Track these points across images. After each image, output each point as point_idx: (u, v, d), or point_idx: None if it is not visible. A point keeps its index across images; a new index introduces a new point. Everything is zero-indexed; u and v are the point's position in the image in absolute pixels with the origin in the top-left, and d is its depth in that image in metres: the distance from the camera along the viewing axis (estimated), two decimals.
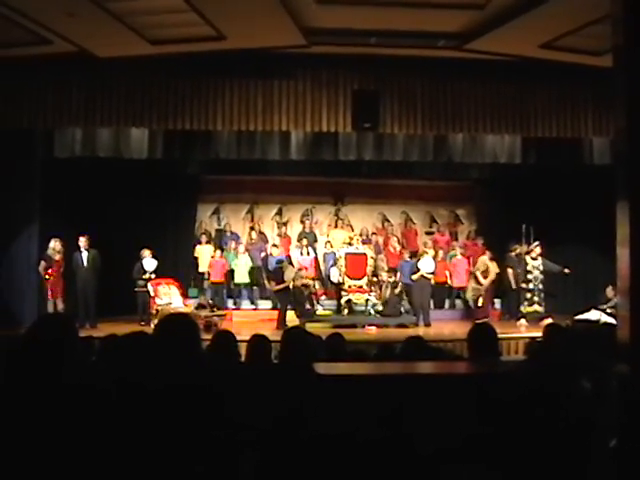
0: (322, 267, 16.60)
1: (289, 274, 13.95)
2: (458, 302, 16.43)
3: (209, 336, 5.26)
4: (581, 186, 14.63)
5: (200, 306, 14.10)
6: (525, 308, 14.15)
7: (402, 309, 14.56)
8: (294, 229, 17.86)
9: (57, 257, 12.97)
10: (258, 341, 5.06)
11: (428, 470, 3.19)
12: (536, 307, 14.12)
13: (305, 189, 17.89)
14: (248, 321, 14.59)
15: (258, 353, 4.92)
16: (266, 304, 15.88)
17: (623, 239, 3.04)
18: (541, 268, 14.24)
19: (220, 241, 17.14)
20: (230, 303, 16.02)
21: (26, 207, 12.77)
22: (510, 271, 14.69)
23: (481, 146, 13.22)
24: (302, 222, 17.83)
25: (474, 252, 16.51)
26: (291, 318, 13.60)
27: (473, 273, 15.03)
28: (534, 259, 14.25)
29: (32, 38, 10.64)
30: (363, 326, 13.94)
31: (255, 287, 16.52)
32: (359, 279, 14.68)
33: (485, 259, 14.96)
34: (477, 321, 11.66)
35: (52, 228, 13.08)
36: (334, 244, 16.46)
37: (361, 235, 16.50)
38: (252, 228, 17.36)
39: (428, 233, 17.96)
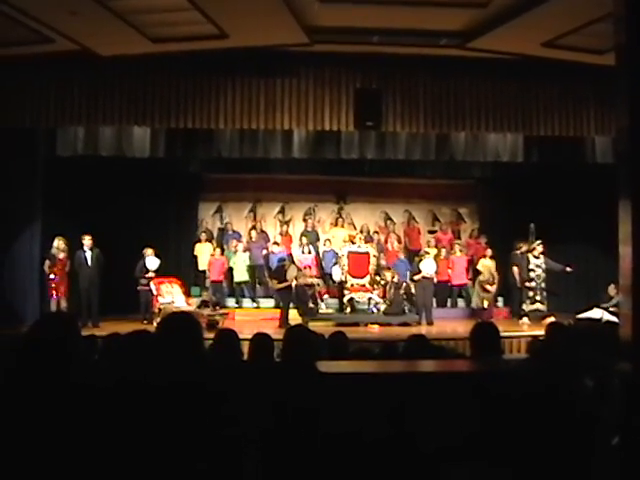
0: (323, 265, 16.56)
1: (291, 273, 13.95)
2: (460, 301, 16.41)
3: (212, 335, 5.27)
4: (583, 185, 14.61)
5: (203, 303, 14.11)
6: (527, 306, 14.14)
7: (406, 308, 14.55)
8: (296, 228, 17.84)
9: (61, 256, 12.98)
10: (261, 339, 5.06)
11: (431, 468, 3.19)
12: (538, 305, 14.11)
13: (307, 188, 17.87)
14: (250, 320, 14.59)
15: (261, 351, 4.92)
16: (268, 303, 15.88)
17: (625, 237, 3.05)
18: (543, 266, 14.23)
19: (222, 240, 17.13)
20: (232, 302, 16.00)
21: (28, 206, 12.79)
22: (515, 269, 14.67)
23: (483, 144, 13.23)
24: (304, 220, 17.82)
25: (477, 251, 16.52)
26: (293, 317, 13.61)
27: (478, 281, 15.05)
28: (536, 257, 14.25)
29: (34, 37, 10.64)
30: (366, 324, 13.94)
31: (257, 285, 16.51)
32: (361, 278, 14.68)
33: (486, 262, 15.00)
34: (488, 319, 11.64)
35: (54, 227, 13.09)
36: (334, 242, 16.44)
37: (362, 232, 16.50)
38: (253, 227, 17.34)
39: (431, 232, 17.93)
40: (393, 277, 14.71)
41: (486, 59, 12.05)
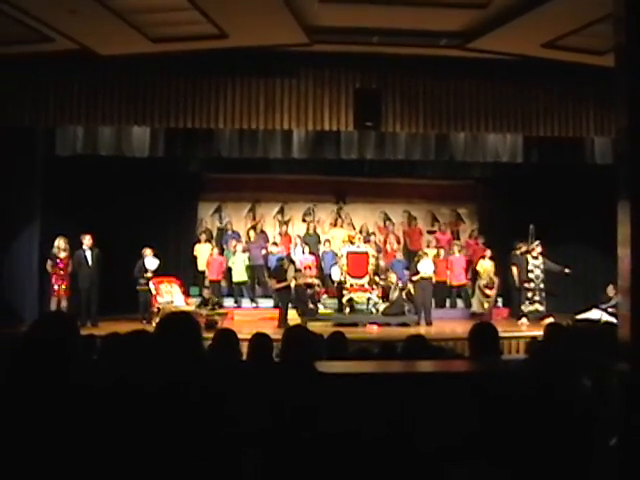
0: (322, 265, 16.55)
1: (290, 273, 13.95)
2: (459, 301, 16.42)
3: (210, 335, 5.27)
4: (582, 185, 14.63)
5: (203, 301, 14.13)
6: (526, 307, 14.16)
7: (405, 309, 14.54)
8: (295, 228, 17.85)
9: (62, 255, 12.99)
10: (259, 339, 5.06)
11: (429, 468, 3.19)
12: (537, 306, 14.13)
13: (307, 188, 17.90)
14: (249, 320, 14.61)
15: (259, 351, 4.93)
16: (267, 303, 15.89)
17: (624, 239, 3.05)
18: (542, 267, 14.25)
19: (221, 240, 17.14)
20: (231, 302, 16.00)
21: (27, 205, 12.78)
22: (515, 269, 14.69)
23: (483, 145, 13.24)
24: (304, 221, 17.85)
25: (475, 251, 16.53)
26: (292, 317, 13.61)
27: (478, 286, 15.07)
28: (535, 258, 14.28)
29: (34, 36, 10.63)
30: (365, 325, 13.93)
31: (256, 285, 16.51)
32: (360, 278, 14.67)
33: (485, 264, 15.03)
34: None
35: (53, 226, 13.09)
36: (334, 242, 16.45)
37: (361, 232, 16.51)
38: (252, 227, 17.34)
39: (430, 232, 17.95)
40: (398, 280, 14.68)
41: (486, 60, 12.06)
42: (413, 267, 14.98)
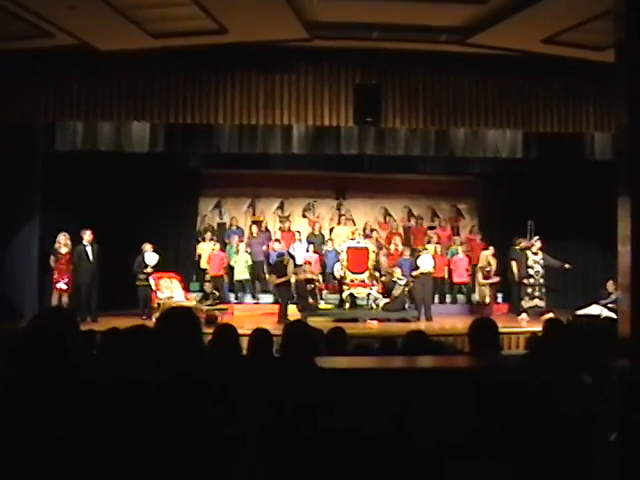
0: (325, 263, 16.51)
1: (290, 268, 13.96)
2: (460, 297, 16.42)
3: (211, 330, 5.28)
4: (582, 181, 14.64)
5: (205, 296, 14.14)
6: (526, 303, 14.17)
7: (406, 305, 14.53)
8: (296, 223, 17.83)
9: (64, 251, 13.01)
10: (260, 335, 5.06)
11: (430, 463, 3.20)
12: (537, 302, 14.14)
13: (307, 183, 17.89)
14: (249, 315, 14.62)
15: (260, 347, 4.93)
16: (267, 298, 15.89)
17: (624, 235, 3.05)
18: (542, 263, 14.26)
19: (222, 235, 17.13)
20: (232, 297, 16.00)
21: (27, 201, 12.77)
22: (514, 264, 14.69)
23: (483, 141, 13.23)
24: (304, 216, 17.86)
25: (474, 248, 16.53)
26: (292, 312, 13.61)
27: (478, 268, 15.08)
28: (535, 254, 14.28)
29: (33, 31, 10.62)
30: (365, 320, 13.93)
31: (256, 281, 16.51)
32: (360, 273, 14.67)
33: (487, 254, 15.04)
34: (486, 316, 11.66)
35: (53, 222, 13.10)
36: (337, 241, 16.39)
37: (364, 230, 16.53)
38: (255, 222, 17.33)
39: (430, 228, 17.95)
40: (401, 278, 14.65)
41: (486, 55, 12.04)
42: (413, 263, 15.00)
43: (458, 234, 17.76)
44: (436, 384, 3.38)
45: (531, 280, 14.22)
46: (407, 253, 15.77)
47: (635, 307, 2.97)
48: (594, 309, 11.72)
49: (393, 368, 3.89)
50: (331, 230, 17.40)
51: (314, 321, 11.52)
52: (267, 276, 15.43)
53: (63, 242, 12.99)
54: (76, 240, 13.28)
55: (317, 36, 11.24)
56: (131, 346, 4.40)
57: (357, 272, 14.66)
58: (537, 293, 14.19)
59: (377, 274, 14.98)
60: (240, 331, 5.22)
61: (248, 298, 16.17)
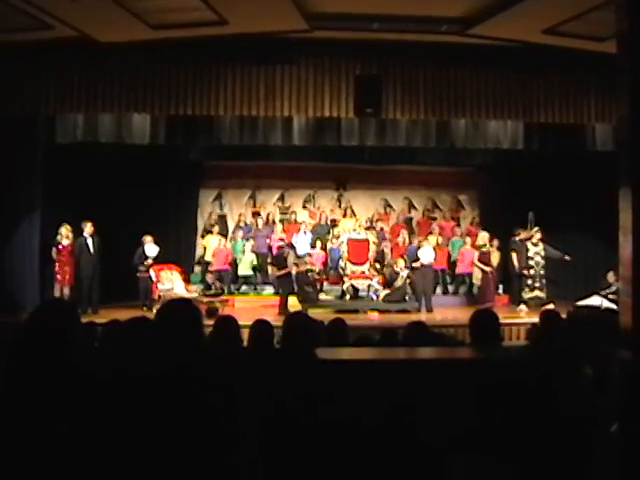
0: (330, 258, 16.44)
1: (291, 260, 13.97)
2: (462, 288, 16.42)
3: (211, 322, 5.28)
4: (583, 173, 14.63)
5: (207, 286, 14.18)
6: (526, 294, 14.18)
7: (407, 296, 14.55)
8: (298, 215, 17.78)
9: (65, 243, 13.02)
10: (260, 326, 5.07)
11: (430, 455, 3.20)
12: (537, 293, 14.15)
13: (307, 174, 17.88)
14: (250, 307, 14.63)
15: (260, 338, 4.93)
16: (268, 290, 15.90)
17: (625, 226, 3.04)
18: (542, 254, 14.26)
19: (222, 228, 17.12)
20: (232, 289, 16.00)
21: (28, 193, 12.76)
22: (514, 255, 14.68)
23: (484, 132, 13.23)
24: (304, 207, 17.85)
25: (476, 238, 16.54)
26: (293, 303, 13.63)
27: (476, 246, 15.08)
28: (535, 245, 14.28)
29: (33, 23, 10.58)
30: (365, 312, 13.95)
31: (258, 273, 16.51)
32: (361, 265, 14.68)
33: (485, 236, 14.99)
34: (481, 306, 11.66)
35: (54, 214, 13.11)
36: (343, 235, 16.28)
37: (372, 222, 16.55)
38: (257, 214, 17.32)
39: (431, 218, 17.96)
40: (403, 270, 14.62)
41: (487, 46, 12.01)
42: (413, 254, 15.00)
43: (459, 225, 17.76)
44: (437, 375, 3.38)
45: (531, 271, 14.22)
46: (415, 241, 15.75)
47: (637, 298, 2.96)
48: (595, 300, 11.74)
49: (394, 359, 3.89)
50: (333, 223, 17.26)
51: (315, 312, 11.56)
52: (269, 268, 15.44)
53: (65, 234, 13.01)
54: (77, 232, 13.28)
55: (317, 27, 11.20)
56: (132, 338, 4.41)
57: (357, 263, 14.67)
58: (537, 284, 14.20)
59: (378, 265, 14.99)
60: (241, 323, 5.22)
61: (249, 290, 16.16)
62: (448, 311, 14.34)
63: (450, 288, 16.50)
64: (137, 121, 12.66)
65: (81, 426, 2.68)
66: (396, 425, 3.22)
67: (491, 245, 15.01)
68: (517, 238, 14.68)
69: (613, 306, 10.37)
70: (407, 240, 16.15)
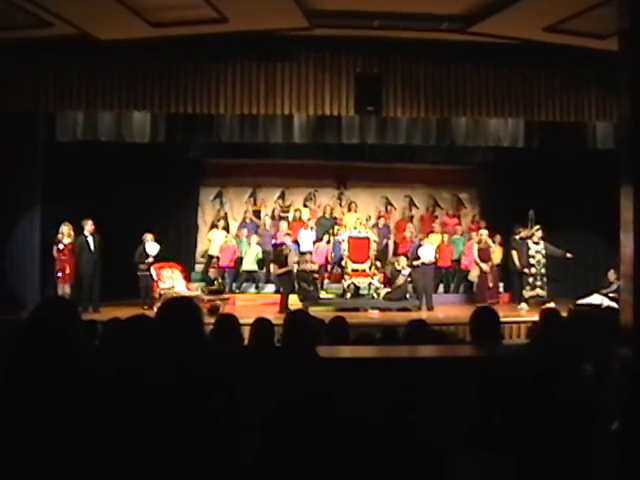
0: (333, 255, 16.39)
1: (292, 258, 13.97)
2: (463, 287, 16.40)
3: (212, 320, 5.28)
4: (584, 170, 14.62)
5: (210, 281, 14.17)
6: (527, 292, 14.16)
7: (407, 294, 14.54)
8: (304, 214, 17.72)
9: (66, 241, 13.02)
10: (261, 324, 5.07)
11: (431, 452, 3.20)
12: (538, 291, 14.13)
13: (308, 172, 17.85)
14: (251, 305, 14.62)
15: (261, 336, 4.93)
16: (269, 288, 15.89)
17: (627, 224, 3.04)
18: (543, 252, 14.25)
19: (225, 225, 17.11)
20: (233, 287, 15.99)
21: (28, 191, 12.77)
22: (515, 254, 14.66)
23: (484, 130, 13.21)
24: (305, 206, 17.82)
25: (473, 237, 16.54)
26: (294, 302, 13.62)
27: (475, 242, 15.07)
28: (536, 243, 14.27)
29: (33, 21, 10.57)
30: (366, 310, 13.95)
31: (261, 271, 16.49)
32: (362, 263, 14.67)
33: (483, 233, 14.96)
34: (482, 304, 11.65)
35: (54, 212, 13.09)
36: (349, 227, 16.18)
37: (377, 218, 16.56)
38: (258, 212, 17.29)
39: (433, 215, 17.97)
40: (405, 268, 14.60)
41: (487, 44, 12.00)
42: (414, 251, 14.99)
43: (460, 223, 17.73)
44: (437, 373, 3.38)
45: (532, 270, 14.20)
46: (416, 240, 15.75)
47: (637, 296, 2.97)
48: (595, 298, 11.74)
49: (394, 357, 3.89)
50: (335, 220, 17.22)
51: (315, 310, 11.56)
52: (271, 266, 15.43)
53: (66, 232, 13.00)
54: (77, 230, 13.27)
55: (318, 25, 11.19)
56: (132, 336, 4.40)
57: (358, 262, 14.67)
58: (538, 283, 14.19)
59: (378, 263, 14.98)
60: (242, 321, 5.22)
61: (251, 288, 16.15)
62: (449, 309, 14.32)
63: (452, 286, 16.45)
64: (137, 119, 12.65)
65: (82, 424, 2.68)
66: (397, 423, 3.22)
67: (493, 241, 15.01)
68: (517, 236, 14.68)
69: (614, 305, 10.37)
70: (415, 233, 16.13)
